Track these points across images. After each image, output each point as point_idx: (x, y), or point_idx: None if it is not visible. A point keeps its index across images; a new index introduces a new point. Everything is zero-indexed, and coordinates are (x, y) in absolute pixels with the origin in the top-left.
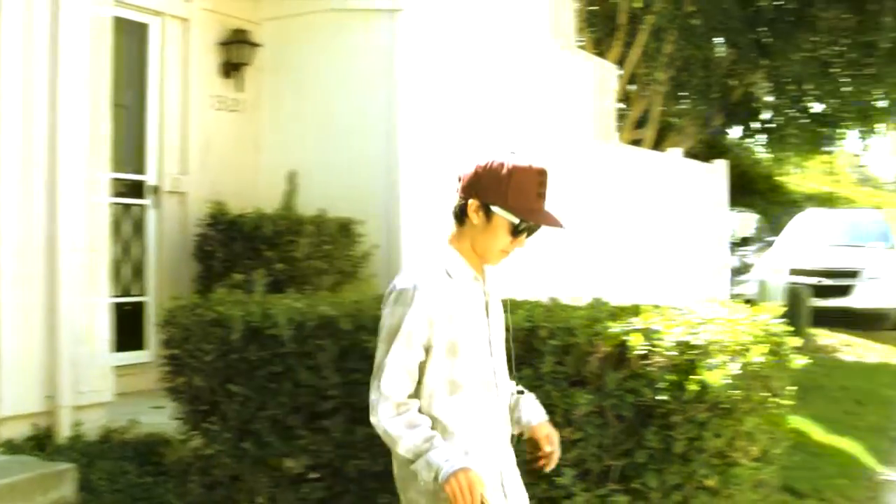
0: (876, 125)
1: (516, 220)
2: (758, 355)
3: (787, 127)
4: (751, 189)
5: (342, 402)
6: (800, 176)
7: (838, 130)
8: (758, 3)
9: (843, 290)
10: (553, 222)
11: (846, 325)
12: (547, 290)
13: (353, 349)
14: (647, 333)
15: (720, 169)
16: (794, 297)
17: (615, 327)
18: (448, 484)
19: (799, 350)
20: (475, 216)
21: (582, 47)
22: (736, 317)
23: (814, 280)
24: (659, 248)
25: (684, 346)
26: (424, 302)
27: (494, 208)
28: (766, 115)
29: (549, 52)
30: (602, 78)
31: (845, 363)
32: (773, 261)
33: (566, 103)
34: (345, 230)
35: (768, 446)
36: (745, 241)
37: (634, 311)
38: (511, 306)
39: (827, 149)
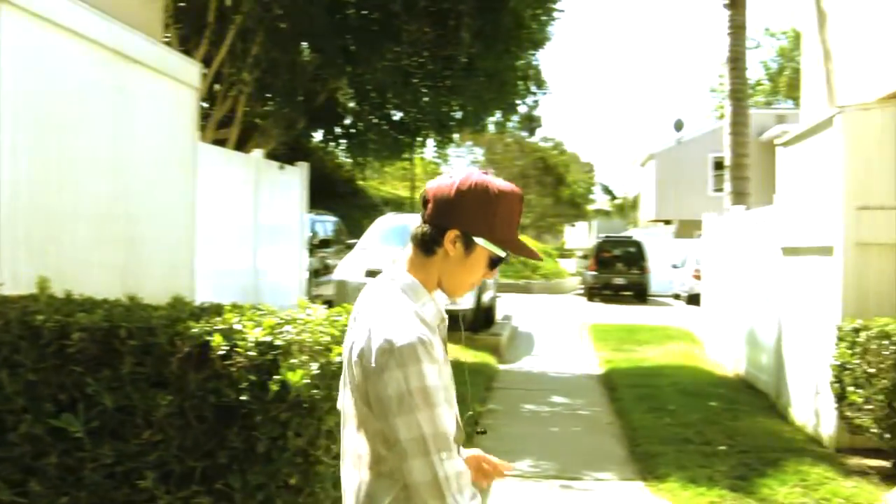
0: (452, 135)
1: (503, 254)
2: (338, 355)
3: (368, 133)
4: (332, 192)
5: None
6: (379, 181)
7: (417, 138)
8: (345, 11)
9: None
10: (531, 254)
11: None
12: (128, 289)
13: None
14: (229, 333)
15: (301, 171)
16: None
17: (196, 327)
18: None
19: None
20: (452, 248)
21: (168, 43)
22: (316, 317)
23: None
24: (240, 247)
25: (266, 346)
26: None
27: (478, 240)
28: (348, 121)
29: (134, 46)
30: (187, 76)
31: None
32: (352, 262)
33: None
34: None
35: None
36: (325, 244)
37: (217, 310)
38: (90, 305)
39: (406, 156)
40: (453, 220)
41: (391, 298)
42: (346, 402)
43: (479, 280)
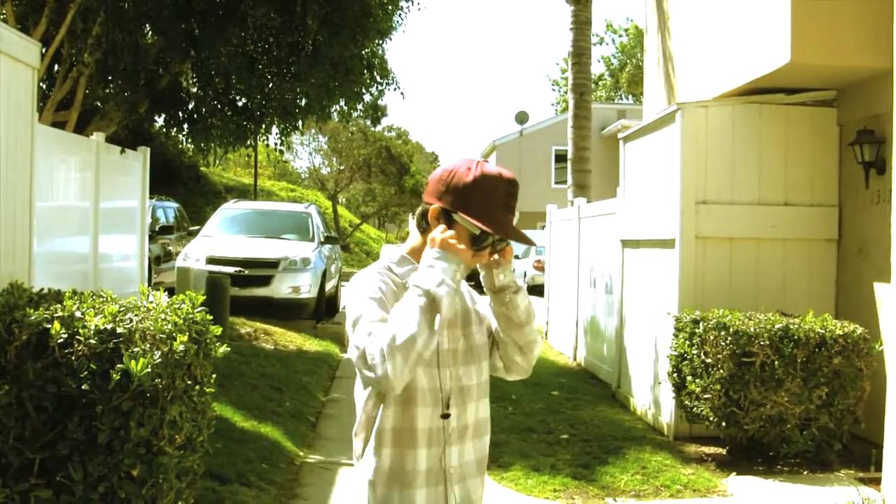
0: (297, 122)
1: (477, 231)
2: (181, 343)
3: (211, 118)
4: (174, 178)
5: None
6: (222, 167)
7: (261, 125)
8: None
9: (263, 281)
10: (520, 237)
11: (266, 315)
12: None
13: None
14: (69, 321)
15: (143, 156)
16: (214, 287)
17: (35, 315)
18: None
19: (220, 338)
20: (435, 222)
21: (4, 21)
22: (158, 305)
23: (234, 270)
24: (80, 233)
25: (107, 335)
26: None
27: (456, 216)
28: (192, 106)
29: None
30: (25, 55)
31: (265, 350)
32: (194, 250)
33: None
34: None
35: (193, 434)
36: (166, 230)
37: (56, 297)
38: None
39: (250, 143)
40: (436, 196)
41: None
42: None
43: (471, 263)
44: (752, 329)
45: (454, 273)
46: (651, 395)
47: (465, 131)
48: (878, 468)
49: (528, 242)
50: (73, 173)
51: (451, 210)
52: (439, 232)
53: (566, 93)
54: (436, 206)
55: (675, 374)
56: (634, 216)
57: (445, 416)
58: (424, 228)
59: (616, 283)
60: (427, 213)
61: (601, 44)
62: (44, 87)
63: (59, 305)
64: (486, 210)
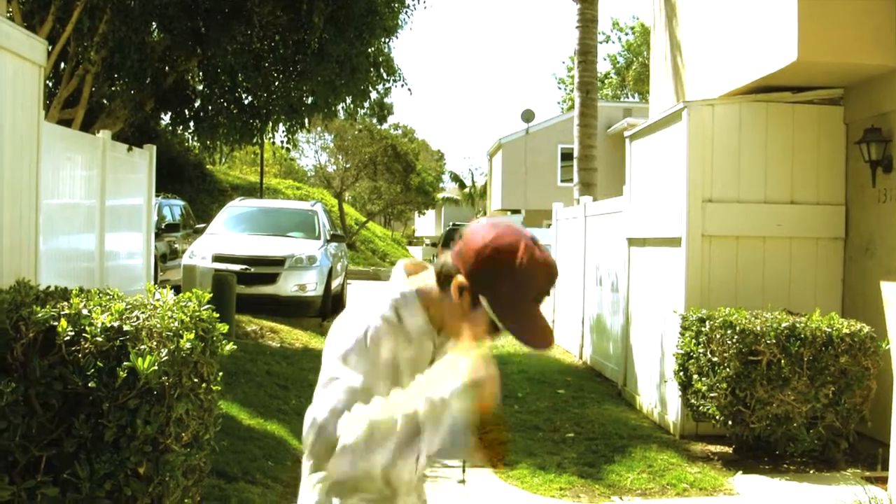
0: (303, 120)
1: (499, 324)
2: (188, 341)
3: (217, 116)
4: (180, 176)
5: None
6: (228, 165)
7: (267, 123)
8: None
9: (270, 278)
10: (539, 342)
11: (272, 312)
12: None
13: None
14: (76, 319)
15: (149, 154)
16: (221, 284)
17: (42, 312)
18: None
19: (226, 336)
20: (456, 295)
21: (11, 19)
22: (165, 303)
23: (240, 267)
24: (86, 230)
25: (114, 332)
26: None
27: (483, 301)
28: (198, 104)
29: None
30: (32, 53)
31: (271, 348)
32: (201, 248)
33: None
34: None
35: (199, 431)
36: (172, 228)
37: (63, 295)
38: None
39: (256, 141)
40: (465, 266)
41: (376, 301)
42: None
43: (482, 338)
44: (758, 328)
45: (466, 414)
46: (657, 393)
47: (470, 129)
48: (885, 467)
49: (543, 347)
50: (79, 171)
51: (479, 293)
52: (471, 346)
53: (572, 91)
54: (462, 281)
55: (681, 373)
56: (641, 214)
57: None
58: (444, 288)
59: (622, 281)
60: (448, 275)
61: (607, 42)
62: (50, 84)
63: (65, 303)
64: (517, 301)
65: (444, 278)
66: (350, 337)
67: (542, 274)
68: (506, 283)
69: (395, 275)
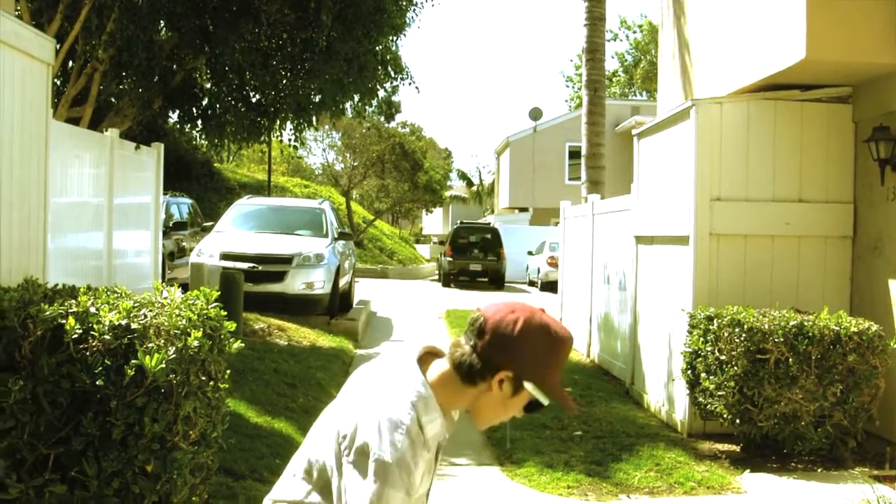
0: (311, 118)
1: (546, 402)
2: (195, 339)
3: (225, 114)
4: (188, 174)
5: None
6: (236, 163)
7: (275, 122)
8: None
9: (277, 276)
10: (570, 405)
11: (279, 310)
12: None
13: None
14: (84, 317)
15: (157, 152)
16: (228, 283)
17: (50, 310)
18: None
19: (234, 334)
20: (499, 388)
21: (19, 17)
22: (172, 301)
23: (248, 265)
24: (95, 229)
25: (121, 330)
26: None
27: (528, 385)
28: (205, 102)
29: None
30: (40, 51)
31: (278, 346)
32: (208, 246)
33: None
34: None
35: (207, 429)
36: (180, 226)
37: (71, 293)
38: None
39: (264, 139)
40: (509, 361)
41: (401, 404)
42: (325, 440)
43: (514, 416)
44: (766, 326)
45: None
46: (665, 391)
47: (478, 127)
48: (893, 466)
49: (571, 410)
50: (87, 169)
51: (526, 378)
52: None
53: (580, 89)
54: (508, 374)
55: (689, 371)
56: (649, 213)
57: None
58: (476, 383)
59: (630, 279)
60: (484, 371)
61: (615, 40)
62: (58, 83)
63: (73, 301)
64: (555, 377)
65: (476, 375)
66: (382, 465)
67: (568, 343)
68: (550, 362)
69: (409, 366)
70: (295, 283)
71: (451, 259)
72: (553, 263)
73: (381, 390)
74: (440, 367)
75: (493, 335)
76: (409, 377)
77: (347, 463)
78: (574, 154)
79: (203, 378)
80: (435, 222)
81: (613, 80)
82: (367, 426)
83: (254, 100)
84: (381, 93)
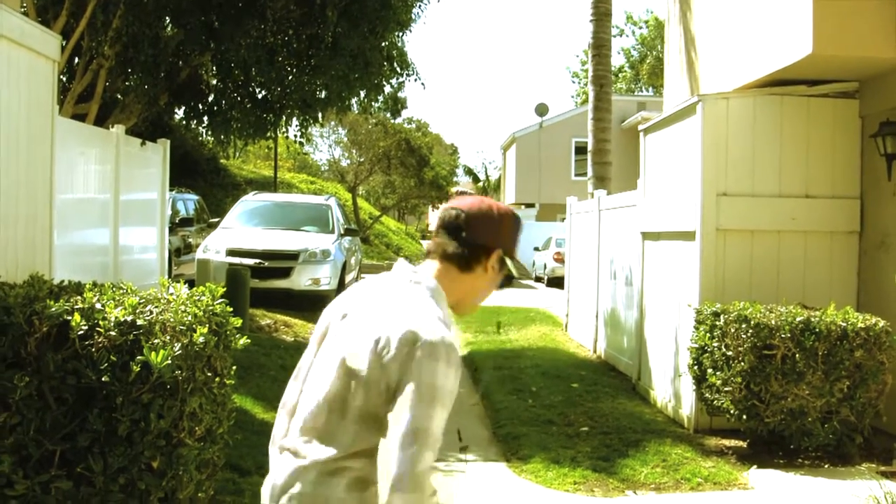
0: (317, 114)
1: (515, 273)
2: (201, 335)
3: (231, 111)
4: (194, 170)
5: None
6: (242, 160)
7: (281, 118)
8: None
9: (283, 273)
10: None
11: (286, 306)
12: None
13: None
14: (89, 313)
15: (162, 149)
16: (234, 279)
17: (55, 307)
18: None
19: (240, 330)
20: (493, 268)
21: (25, 13)
22: (178, 297)
23: (254, 262)
24: (100, 225)
25: (127, 326)
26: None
27: (508, 260)
28: (211, 98)
29: None
30: (46, 48)
31: (284, 342)
32: (214, 242)
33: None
34: None
35: (213, 425)
36: (186, 222)
37: (76, 289)
38: None
39: (269, 135)
40: (499, 241)
41: (422, 299)
42: (330, 388)
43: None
44: (773, 322)
45: None
46: (671, 387)
47: (484, 123)
48: None
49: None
50: (93, 166)
51: (509, 254)
52: None
53: (586, 85)
54: (499, 251)
55: (695, 367)
56: (655, 208)
57: None
58: (472, 268)
59: (636, 275)
60: (479, 254)
61: (621, 35)
62: (64, 79)
63: (79, 297)
64: (516, 250)
65: (472, 260)
66: (432, 347)
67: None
68: (517, 237)
69: (408, 270)
70: (301, 279)
71: None
72: (559, 259)
73: (395, 296)
74: (431, 266)
75: (479, 222)
76: (417, 275)
77: (390, 360)
78: (580, 150)
79: (209, 374)
80: None
81: (619, 75)
82: (413, 324)
83: (259, 96)
84: (387, 89)
